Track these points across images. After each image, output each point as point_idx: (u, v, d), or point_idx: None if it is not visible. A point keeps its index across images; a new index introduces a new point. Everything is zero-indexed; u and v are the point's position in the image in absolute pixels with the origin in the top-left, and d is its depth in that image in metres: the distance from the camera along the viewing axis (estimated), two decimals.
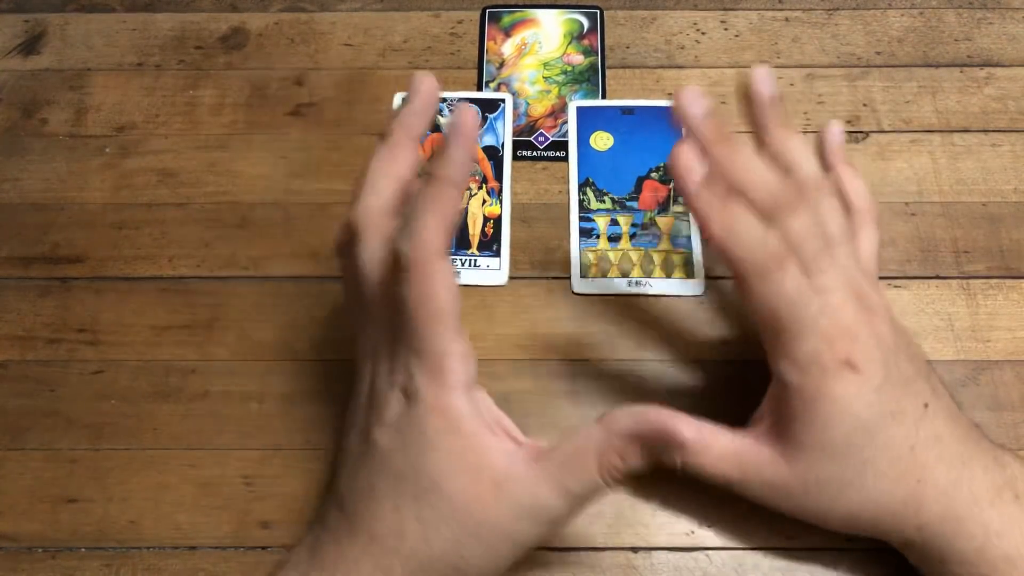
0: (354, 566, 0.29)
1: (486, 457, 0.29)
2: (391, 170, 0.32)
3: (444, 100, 0.48)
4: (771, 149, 0.31)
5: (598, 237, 0.43)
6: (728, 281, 0.42)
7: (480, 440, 0.29)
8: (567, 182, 0.45)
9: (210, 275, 0.43)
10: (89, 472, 0.38)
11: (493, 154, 0.46)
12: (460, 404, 0.29)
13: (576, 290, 0.42)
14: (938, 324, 0.41)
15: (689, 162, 0.29)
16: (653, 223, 0.44)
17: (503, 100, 0.48)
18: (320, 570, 0.30)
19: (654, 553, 0.36)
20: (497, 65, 0.49)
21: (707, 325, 0.41)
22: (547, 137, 0.47)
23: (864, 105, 0.47)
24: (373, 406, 0.31)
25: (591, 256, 0.43)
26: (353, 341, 0.33)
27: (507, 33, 0.50)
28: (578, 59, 0.49)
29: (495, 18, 0.51)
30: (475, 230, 0.44)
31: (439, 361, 0.29)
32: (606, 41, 0.50)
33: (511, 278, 0.43)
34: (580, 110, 0.47)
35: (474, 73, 0.49)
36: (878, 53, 0.49)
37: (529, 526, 0.30)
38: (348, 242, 0.32)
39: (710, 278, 0.42)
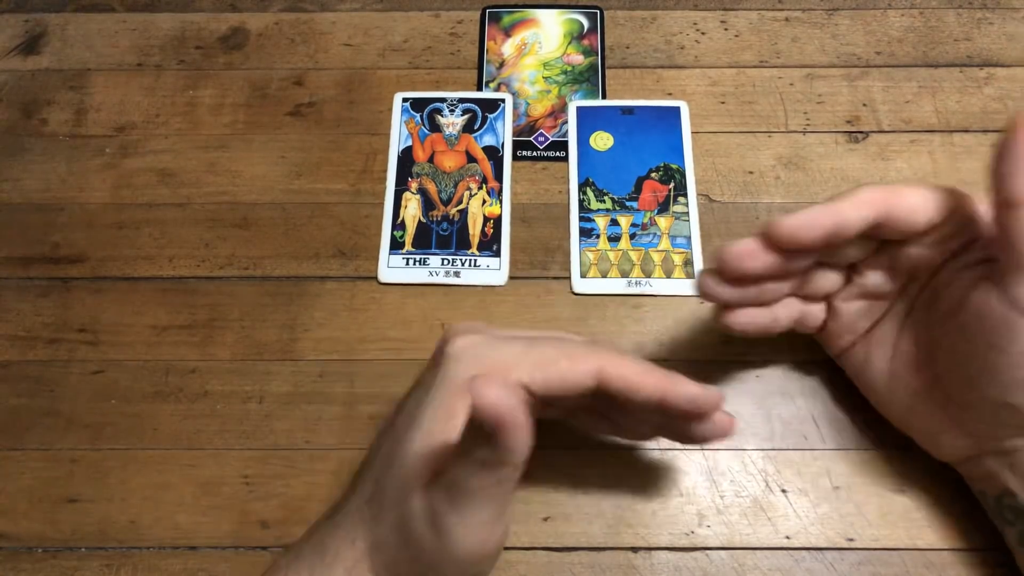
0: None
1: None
2: None
3: (444, 100, 0.48)
4: None
5: (598, 237, 0.43)
6: None
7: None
8: (567, 182, 0.45)
9: (210, 275, 0.43)
10: (89, 472, 0.38)
11: (493, 154, 0.46)
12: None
13: (576, 290, 0.42)
14: None
15: None
16: (653, 223, 0.44)
17: (503, 100, 0.48)
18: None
19: (654, 553, 0.36)
20: (497, 65, 0.49)
21: (707, 325, 0.41)
22: (547, 137, 0.47)
23: (864, 105, 0.47)
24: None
25: (591, 256, 0.43)
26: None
27: (507, 33, 0.50)
28: (578, 59, 0.49)
29: (495, 18, 0.51)
30: (475, 230, 0.44)
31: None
32: (606, 41, 0.50)
33: (511, 278, 0.43)
34: (580, 110, 0.47)
35: (474, 73, 0.49)
36: (878, 53, 0.49)
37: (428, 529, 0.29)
38: None
39: None
